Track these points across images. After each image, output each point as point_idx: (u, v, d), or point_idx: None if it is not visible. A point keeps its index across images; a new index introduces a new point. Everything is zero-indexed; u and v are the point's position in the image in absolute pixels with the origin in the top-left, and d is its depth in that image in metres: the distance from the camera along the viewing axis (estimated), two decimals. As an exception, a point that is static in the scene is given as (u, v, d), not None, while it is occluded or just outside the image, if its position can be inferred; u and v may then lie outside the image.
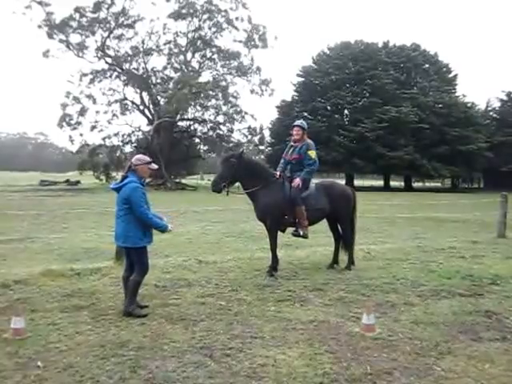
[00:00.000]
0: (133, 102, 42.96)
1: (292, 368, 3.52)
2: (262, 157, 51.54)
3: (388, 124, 44.53)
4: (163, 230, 4.86)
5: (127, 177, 4.80)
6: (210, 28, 42.74)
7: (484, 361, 3.69)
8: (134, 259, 4.84)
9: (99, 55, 40.66)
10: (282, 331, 4.30)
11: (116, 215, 4.86)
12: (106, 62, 41.58)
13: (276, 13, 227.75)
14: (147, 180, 4.93)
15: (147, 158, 4.98)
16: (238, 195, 7.22)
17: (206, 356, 3.73)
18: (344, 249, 7.16)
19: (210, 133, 44.53)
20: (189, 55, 43.62)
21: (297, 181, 6.54)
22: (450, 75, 53.17)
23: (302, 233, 6.65)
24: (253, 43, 43.19)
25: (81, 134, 41.93)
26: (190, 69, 42.58)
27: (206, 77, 43.75)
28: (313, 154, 6.70)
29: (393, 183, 56.09)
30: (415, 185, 59.44)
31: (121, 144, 44.16)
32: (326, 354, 3.79)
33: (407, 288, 5.86)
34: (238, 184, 6.85)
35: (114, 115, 42.32)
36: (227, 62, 44.09)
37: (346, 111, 51.51)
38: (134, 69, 41.71)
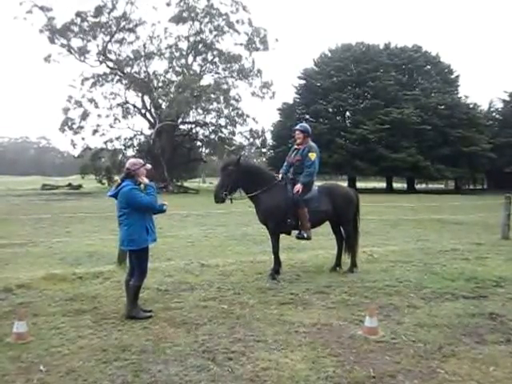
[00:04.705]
0: (134, 106, 43.10)
1: (294, 371, 3.51)
2: (264, 159, 51.59)
3: (390, 126, 44.43)
4: (163, 210, 5.09)
5: (123, 182, 4.83)
6: (210, 31, 42.85)
7: (488, 363, 3.66)
8: (134, 262, 4.87)
9: (101, 59, 40.81)
10: (285, 334, 4.29)
11: (118, 221, 4.89)
12: (108, 66, 41.73)
13: (277, 15, 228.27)
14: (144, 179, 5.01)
15: (141, 161, 5.05)
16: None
17: (208, 360, 3.72)
18: (347, 251, 7.14)
19: (212, 136, 44.54)
20: (190, 59, 43.74)
21: (297, 187, 6.53)
22: (452, 76, 53.05)
23: (305, 235, 6.64)
24: (254, 46, 43.25)
25: (83, 138, 42.08)
26: (192, 72, 42.63)
27: (207, 80, 43.88)
28: (313, 156, 6.68)
29: (395, 185, 55.93)
30: (418, 186, 59.29)
31: (123, 148, 44.28)
32: (329, 358, 3.78)
33: (410, 290, 5.84)
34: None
35: (115, 119, 42.45)
36: (228, 65, 44.13)
37: (347, 113, 51.47)
38: (136, 73, 41.81)
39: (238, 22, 42.60)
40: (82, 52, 39.91)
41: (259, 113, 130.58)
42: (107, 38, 40.06)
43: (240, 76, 43.92)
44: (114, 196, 4.86)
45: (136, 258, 4.86)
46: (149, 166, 5.06)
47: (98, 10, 38.75)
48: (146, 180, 4.91)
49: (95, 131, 41.78)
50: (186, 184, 45.75)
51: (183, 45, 43.20)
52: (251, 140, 45.67)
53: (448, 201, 26.12)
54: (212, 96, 39.90)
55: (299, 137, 6.85)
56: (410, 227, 13.66)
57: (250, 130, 44.81)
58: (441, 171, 46.51)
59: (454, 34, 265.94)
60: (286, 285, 6.14)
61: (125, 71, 41.26)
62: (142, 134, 44.31)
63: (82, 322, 4.62)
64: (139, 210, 4.77)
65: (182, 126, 45.18)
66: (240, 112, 43.26)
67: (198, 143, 47.43)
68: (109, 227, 11.97)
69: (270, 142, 50.88)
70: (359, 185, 52.48)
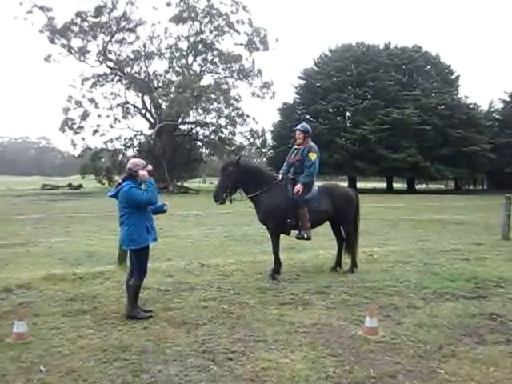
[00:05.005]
0: (134, 106, 43.09)
1: (295, 371, 3.50)
2: (264, 159, 51.59)
3: (390, 126, 44.45)
4: (164, 210, 5.16)
5: (123, 182, 4.83)
6: (211, 31, 42.85)
7: (488, 364, 3.66)
8: (134, 262, 4.87)
9: (101, 59, 40.82)
10: (285, 335, 4.29)
11: (119, 221, 4.89)
12: (108, 66, 41.74)
13: (277, 15, 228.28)
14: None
15: (143, 161, 5.03)
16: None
17: (208, 360, 3.72)
18: (347, 251, 7.14)
19: (212, 136, 44.55)
20: (190, 59, 43.74)
21: (297, 187, 6.53)
22: (452, 76, 53.07)
23: (305, 235, 6.64)
24: (254, 46, 43.24)
25: (83, 138, 42.09)
26: (192, 72, 42.63)
27: (207, 80, 43.88)
28: (313, 156, 6.68)
29: (396, 185, 55.96)
30: (418, 187, 59.31)
31: (123, 148, 44.30)
32: (329, 358, 3.78)
33: (410, 291, 5.83)
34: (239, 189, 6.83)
35: (115, 119, 42.44)
36: (228, 65, 44.12)
37: (347, 113, 51.49)
38: (136, 73, 41.81)
39: (238, 22, 42.61)
40: (82, 52, 39.93)
41: (259, 113, 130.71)
42: (107, 38, 40.07)
43: (240, 76, 43.91)
44: (115, 196, 4.86)
45: (136, 258, 4.86)
46: (150, 167, 5.05)
47: (98, 10, 38.75)
48: (145, 174, 4.89)
49: (95, 131, 41.80)
50: (186, 184, 45.76)
51: (183, 45, 43.27)
52: (251, 140, 45.66)
53: (448, 201, 26.13)
54: (212, 96, 39.90)
55: (299, 137, 6.85)
56: (410, 227, 13.66)
57: (250, 130, 44.83)
58: (441, 171, 46.54)
59: (454, 34, 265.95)
60: (286, 285, 6.14)
61: (125, 71, 41.26)
62: (142, 134, 44.35)
63: (83, 322, 4.62)
64: (140, 208, 4.77)
65: (182, 126, 45.19)
66: (240, 112, 43.26)
67: (199, 143, 47.45)
68: (109, 227, 11.97)
69: (270, 142, 50.93)
70: (359, 185, 52.50)
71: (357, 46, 52.82)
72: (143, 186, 4.84)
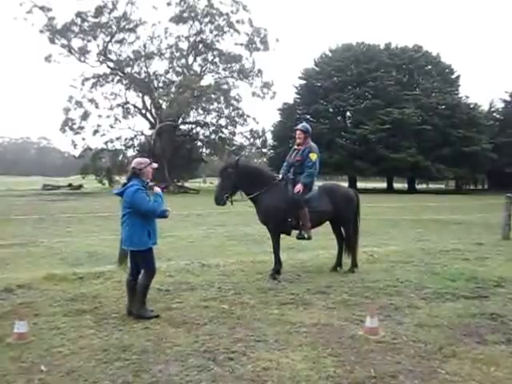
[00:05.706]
0: (135, 106, 43.09)
1: (295, 371, 3.50)
2: (265, 160, 51.61)
3: (391, 126, 44.48)
4: (165, 215, 4.95)
5: (129, 181, 4.81)
6: (211, 31, 42.85)
7: (489, 364, 3.66)
8: (141, 262, 4.86)
9: (101, 59, 40.83)
10: (286, 334, 4.29)
11: (121, 220, 4.88)
12: (108, 67, 41.74)
13: (277, 15, 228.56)
14: (151, 183, 4.99)
15: (147, 160, 5.00)
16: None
17: (209, 360, 3.72)
18: (347, 251, 7.14)
19: (213, 136, 44.57)
20: (190, 59, 43.74)
21: (298, 187, 6.53)
22: (453, 76, 53.10)
23: (306, 235, 6.65)
24: (254, 46, 43.24)
25: (83, 139, 42.08)
26: (192, 72, 42.63)
27: (207, 80, 43.89)
28: (314, 156, 6.68)
29: (396, 185, 55.95)
30: (419, 187, 59.29)
31: (123, 148, 44.31)
32: (330, 358, 3.77)
33: (411, 290, 5.83)
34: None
35: (116, 119, 42.43)
36: (229, 65, 44.14)
37: (348, 113, 51.54)
38: (136, 73, 41.81)
39: (238, 21, 42.62)
40: (83, 52, 39.93)
41: (260, 113, 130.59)
42: (107, 39, 40.07)
43: (240, 76, 43.92)
44: (120, 194, 4.85)
45: (142, 258, 4.82)
46: (155, 164, 5.01)
47: (99, 11, 38.74)
48: (157, 189, 4.86)
49: (96, 131, 41.78)
50: (186, 184, 45.76)
51: (183, 45, 43.26)
52: (252, 140, 45.69)
53: (448, 201, 26.13)
54: (212, 96, 39.91)
55: (300, 137, 6.85)
56: (411, 227, 13.65)
57: (251, 130, 44.86)
58: (441, 171, 46.54)
59: (454, 34, 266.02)
60: (287, 285, 6.14)
61: (125, 71, 41.26)
62: (142, 134, 44.32)
63: (83, 322, 4.62)
64: (140, 213, 4.75)
65: (182, 127, 45.21)
66: (240, 112, 43.29)
67: (199, 143, 47.46)
68: (109, 227, 11.97)
69: (270, 142, 51.01)
70: (359, 185, 52.45)
71: (357, 45, 52.86)
72: (151, 192, 4.81)
